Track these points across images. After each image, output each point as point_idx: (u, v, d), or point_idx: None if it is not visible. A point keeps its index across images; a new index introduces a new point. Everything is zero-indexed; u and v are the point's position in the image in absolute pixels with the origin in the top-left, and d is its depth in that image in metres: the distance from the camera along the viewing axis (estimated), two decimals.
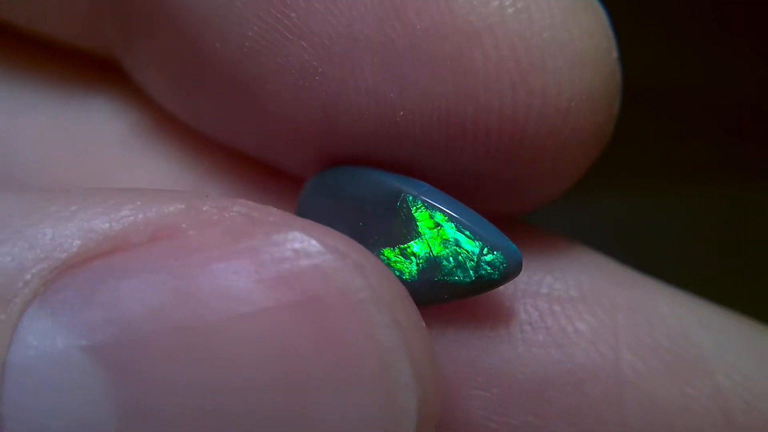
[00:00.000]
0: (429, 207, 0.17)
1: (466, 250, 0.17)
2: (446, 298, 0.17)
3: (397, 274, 0.17)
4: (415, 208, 0.17)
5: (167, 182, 0.20)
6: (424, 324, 0.15)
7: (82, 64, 0.22)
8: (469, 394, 0.18)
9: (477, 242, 0.17)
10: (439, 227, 0.17)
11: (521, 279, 0.18)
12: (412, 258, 0.17)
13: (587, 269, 0.19)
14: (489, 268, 0.17)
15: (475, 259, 0.17)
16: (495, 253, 0.17)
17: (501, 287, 0.18)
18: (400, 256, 0.17)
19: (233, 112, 0.19)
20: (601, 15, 0.17)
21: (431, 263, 0.17)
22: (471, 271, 0.17)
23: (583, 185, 0.20)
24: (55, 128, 0.21)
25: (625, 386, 0.18)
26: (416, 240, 0.17)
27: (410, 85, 0.17)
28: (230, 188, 0.20)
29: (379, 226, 0.18)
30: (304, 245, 0.14)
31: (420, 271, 0.17)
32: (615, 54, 0.17)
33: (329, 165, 0.19)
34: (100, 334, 0.13)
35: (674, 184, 0.38)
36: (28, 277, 0.14)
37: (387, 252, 0.18)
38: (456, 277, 0.17)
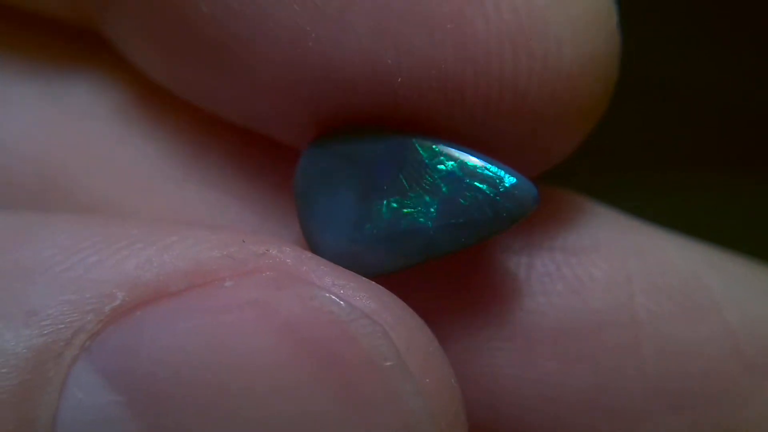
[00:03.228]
0: (438, 149, 0.17)
1: (481, 187, 0.17)
2: (464, 241, 0.17)
3: (411, 221, 0.17)
4: (423, 150, 0.17)
5: (158, 160, 0.20)
6: (453, 381, 0.16)
7: (65, 42, 0.21)
8: (494, 346, 0.18)
9: (491, 177, 0.17)
10: (450, 167, 0.17)
11: (537, 236, 0.19)
12: (426, 203, 0.17)
13: (598, 220, 0.19)
14: (505, 201, 0.17)
15: (492, 195, 0.17)
16: (510, 184, 0.17)
17: (518, 236, 0.18)
18: (413, 204, 0.17)
19: (223, 79, 0.18)
20: None
21: (447, 205, 0.17)
22: (488, 208, 0.17)
23: (580, 181, 0.20)
24: (44, 107, 0.20)
25: (641, 328, 0.18)
26: (428, 184, 0.17)
27: (408, 49, 0.16)
28: (225, 164, 0.20)
29: (388, 177, 0.17)
30: (334, 308, 0.15)
31: (436, 217, 0.17)
32: (615, 19, 0.17)
33: (325, 133, 0.18)
34: (139, 392, 0.14)
35: (669, 174, 0.39)
36: (75, 330, 0.14)
37: (398, 201, 0.17)
38: (473, 216, 0.17)
